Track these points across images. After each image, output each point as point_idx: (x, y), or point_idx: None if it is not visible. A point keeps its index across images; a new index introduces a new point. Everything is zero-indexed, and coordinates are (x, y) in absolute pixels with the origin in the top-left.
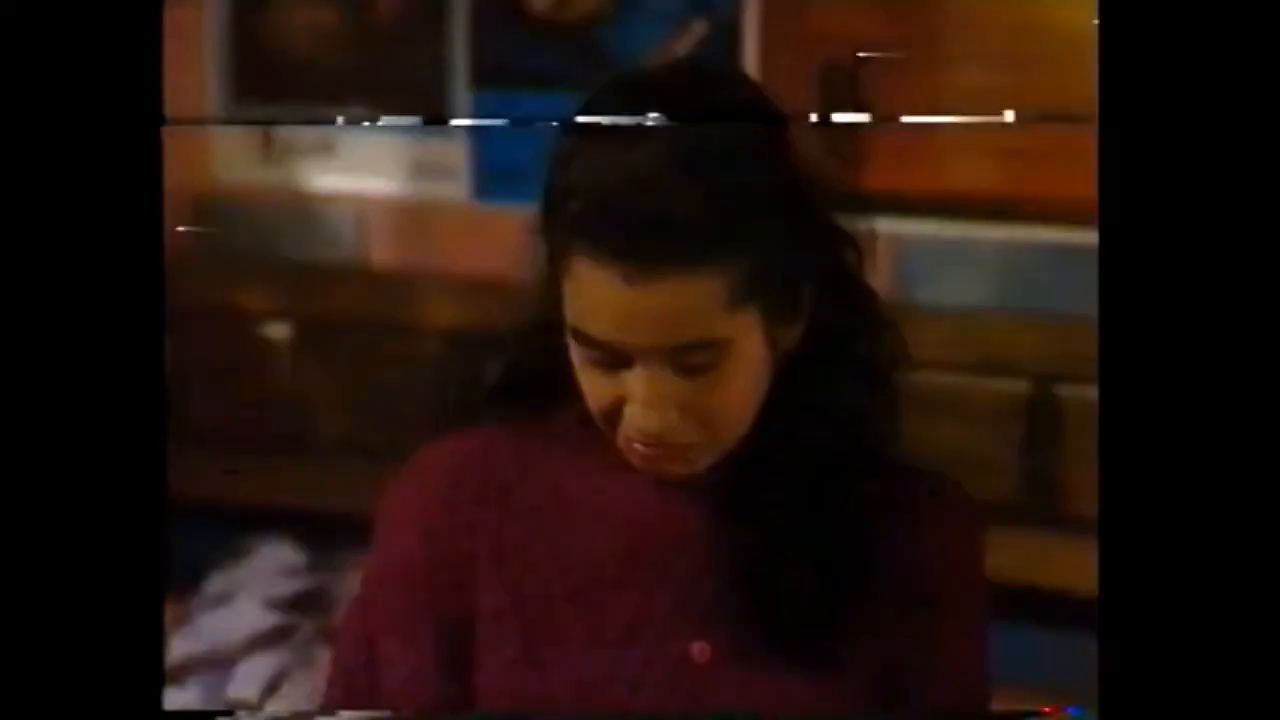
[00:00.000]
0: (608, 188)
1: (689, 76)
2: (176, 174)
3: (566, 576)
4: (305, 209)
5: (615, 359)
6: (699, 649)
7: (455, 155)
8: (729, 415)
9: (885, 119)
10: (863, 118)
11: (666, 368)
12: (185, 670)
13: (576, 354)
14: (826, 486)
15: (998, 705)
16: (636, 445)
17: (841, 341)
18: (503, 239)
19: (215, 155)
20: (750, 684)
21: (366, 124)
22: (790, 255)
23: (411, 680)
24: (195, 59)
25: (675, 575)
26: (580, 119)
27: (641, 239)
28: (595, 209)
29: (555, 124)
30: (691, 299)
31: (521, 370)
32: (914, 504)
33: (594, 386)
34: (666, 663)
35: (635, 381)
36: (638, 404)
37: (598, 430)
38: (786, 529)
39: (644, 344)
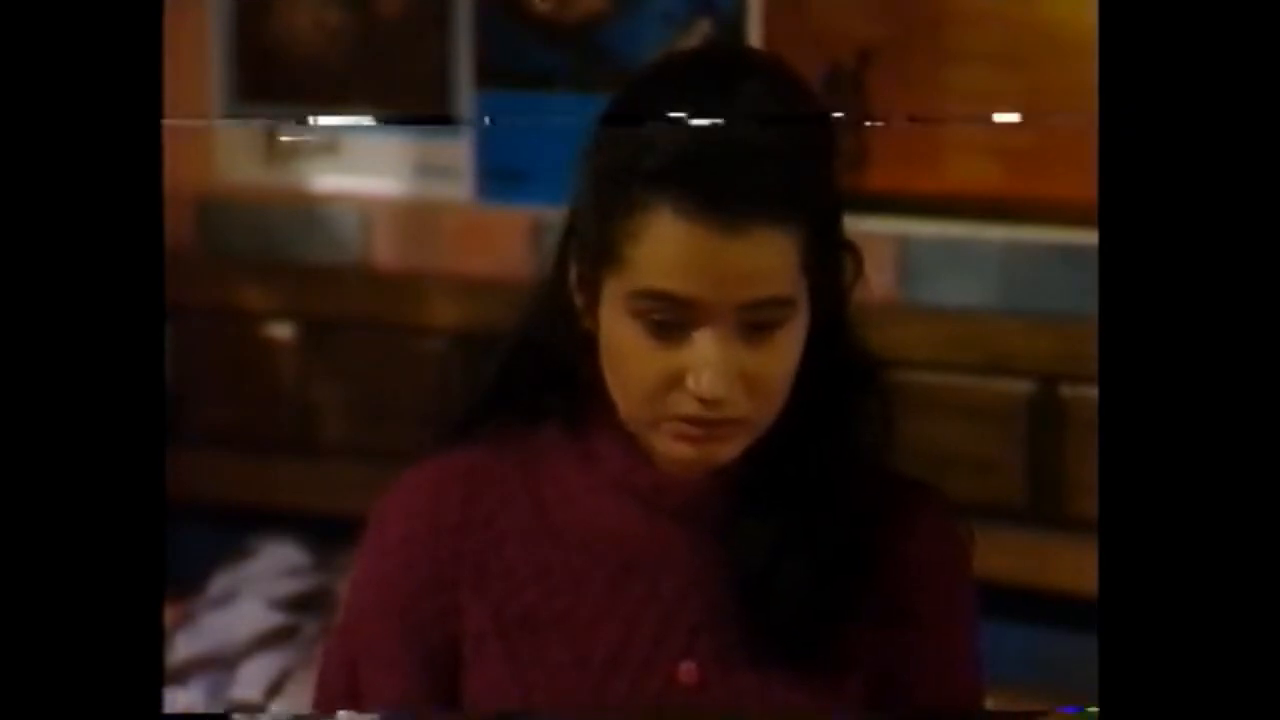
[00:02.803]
0: (699, 142)
1: (747, 54)
2: (178, 174)
3: (552, 599)
4: (308, 209)
5: (683, 321)
6: (686, 669)
7: (458, 155)
8: (777, 388)
9: (888, 118)
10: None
11: (733, 330)
12: (189, 670)
13: (630, 329)
14: (813, 501)
15: (997, 705)
16: (683, 425)
17: (832, 351)
18: (506, 240)
19: (218, 155)
20: (738, 702)
21: (375, 123)
22: (836, 233)
23: (395, 708)
24: (198, 59)
25: (662, 594)
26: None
27: (736, 189)
28: (685, 161)
29: (562, 123)
30: (775, 254)
31: (515, 378)
32: (901, 516)
33: (648, 362)
34: (654, 683)
35: (702, 346)
36: (704, 370)
37: (583, 443)
38: (774, 546)
39: (724, 298)
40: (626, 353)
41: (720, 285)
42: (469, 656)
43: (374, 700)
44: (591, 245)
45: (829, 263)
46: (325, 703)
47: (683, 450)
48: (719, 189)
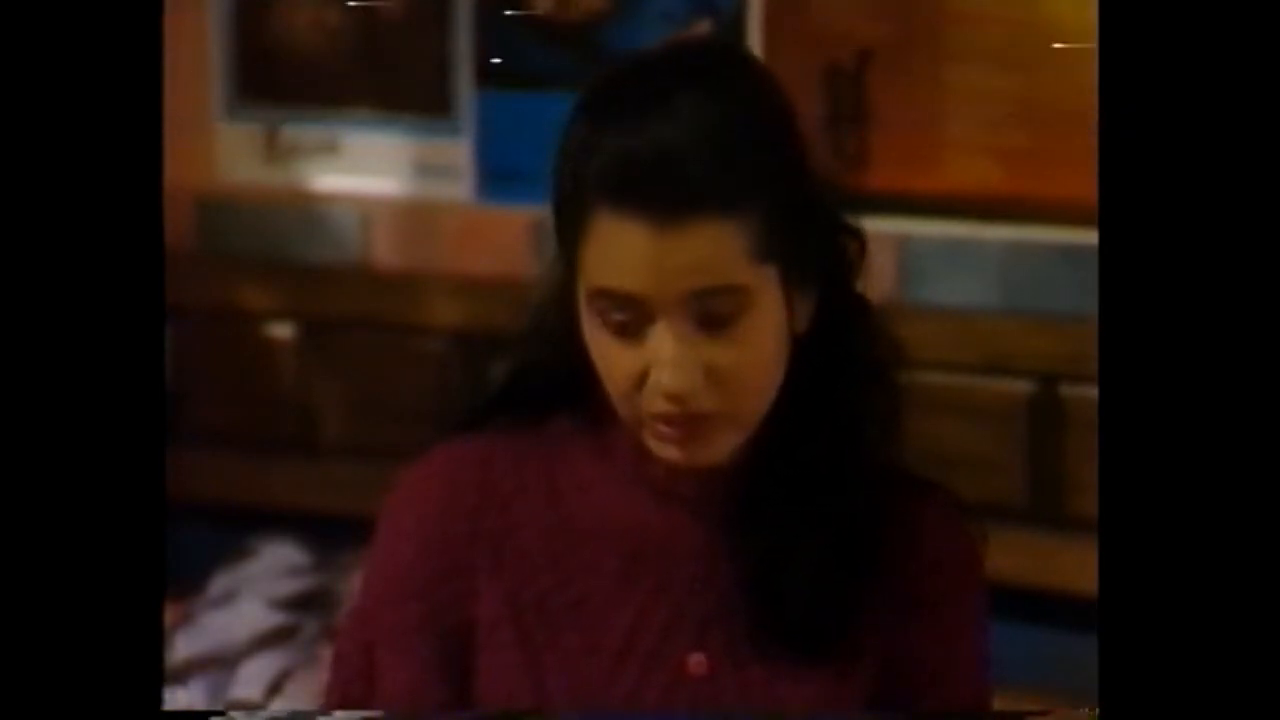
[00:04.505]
0: (632, 145)
1: (699, 56)
2: (179, 174)
3: (565, 587)
4: (308, 209)
5: (638, 319)
6: (696, 660)
7: (459, 155)
8: (749, 381)
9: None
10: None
11: (690, 322)
12: (189, 670)
13: (597, 330)
14: (824, 496)
15: (998, 705)
16: (659, 425)
17: (840, 345)
18: (506, 240)
19: (218, 155)
20: (747, 695)
21: (373, 123)
22: (805, 221)
23: (409, 691)
24: (198, 59)
25: (673, 586)
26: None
27: (667, 187)
28: (619, 163)
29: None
30: (715, 245)
31: (526, 377)
32: (911, 513)
33: (616, 361)
34: (664, 674)
35: (660, 340)
36: (664, 365)
37: (596, 435)
38: (784, 539)
39: (669, 291)
40: (599, 354)
41: (661, 279)
42: (483, 641)
43: (390, 683)
44: (562, 250)
45: (809, 247)
46: (341, 684)
47: (669, 451)
48: (651, 187)
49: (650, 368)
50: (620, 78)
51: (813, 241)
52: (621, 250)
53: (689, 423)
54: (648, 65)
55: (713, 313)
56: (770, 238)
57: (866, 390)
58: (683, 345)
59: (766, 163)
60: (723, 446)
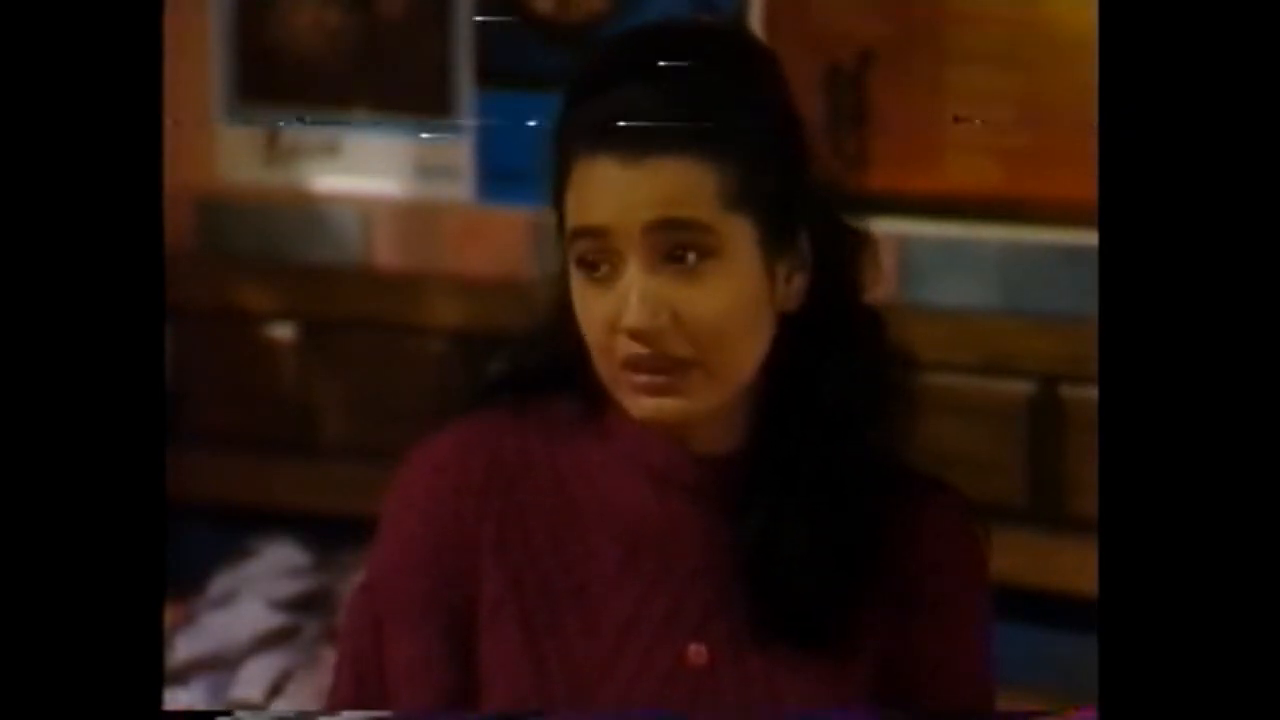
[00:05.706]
0: (612, 96)
1: (696, 30)
2: (180, 174)
3: (567, 572)
4: (309, 209)
5: (610, 258)
6: (695, 650)
7: (459, 156)
8: (719, 329)
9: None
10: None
11: (656, 257)
12: (190, 671)
13: (577, 279)
14: (821, 488)
15: (998, 706)
16: (632, 375)
17: (839, 338)
18: (506, 239)
19: (219, 155)
20: (746, 686)
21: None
22: (785, 183)
23: (416, 665)
24: (198, 59)
25: (673, 576)
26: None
27: (637, 127)
28: (598, 112)
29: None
30: (679, 180)
31: (529, 364)
32: (915, 509)
33: (591, 306)
34: (663, 663)
35: (626, 279)
36: (632, 302)
37: (598, 423)
38: (781, 531)
39: (633, 222)
40: (579, 305)
41: (625, 210)
42: (485, 620)
43: (398, 653)
44: (554, 210)
45: (791, 216)
46: (351, 658)
47: (644, 404)
48: (622, 128)
49: (621, 312)
50: (613, 47)
51: (797, 214)
52: (592, 187)
53: (659, 369)
54: (642, 36)
55: (678, 248)
56: (741, 187)
57: (868, 387)
58: (648, 281)
59: (742, 118)
60: (697, 401)
